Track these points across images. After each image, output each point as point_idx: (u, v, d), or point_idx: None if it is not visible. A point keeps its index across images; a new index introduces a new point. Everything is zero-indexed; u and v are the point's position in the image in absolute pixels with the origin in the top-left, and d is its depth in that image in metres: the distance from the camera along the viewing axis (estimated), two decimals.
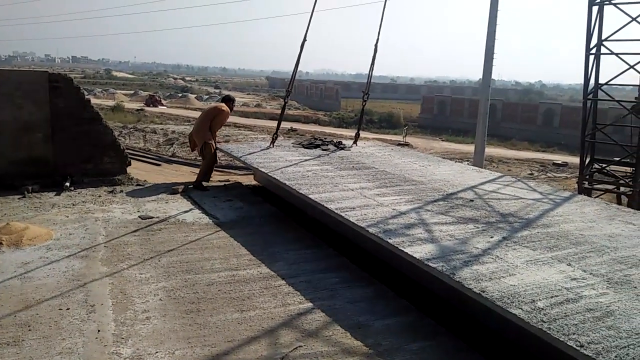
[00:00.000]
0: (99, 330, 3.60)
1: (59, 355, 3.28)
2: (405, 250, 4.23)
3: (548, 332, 3.01)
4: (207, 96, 65.15)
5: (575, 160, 15.30)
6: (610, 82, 11.36)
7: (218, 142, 8.42)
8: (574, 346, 2.87)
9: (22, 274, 4.46)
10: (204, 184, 7.97)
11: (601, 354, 2.80)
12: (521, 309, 3.26)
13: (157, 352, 3.37)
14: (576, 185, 12.58)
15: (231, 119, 9.52)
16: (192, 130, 8.37)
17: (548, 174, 25.21)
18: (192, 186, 7.83)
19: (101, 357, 3.29)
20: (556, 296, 3.47)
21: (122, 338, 3.52)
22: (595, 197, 11.27)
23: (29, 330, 3.57)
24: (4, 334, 3.49)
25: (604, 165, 12.21)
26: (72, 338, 3.49)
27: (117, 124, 28.61)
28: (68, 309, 3.88)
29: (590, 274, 3.89)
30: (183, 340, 3.54)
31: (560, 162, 28.37)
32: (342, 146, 9.30)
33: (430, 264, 3.93)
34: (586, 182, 11.90)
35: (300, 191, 6.01)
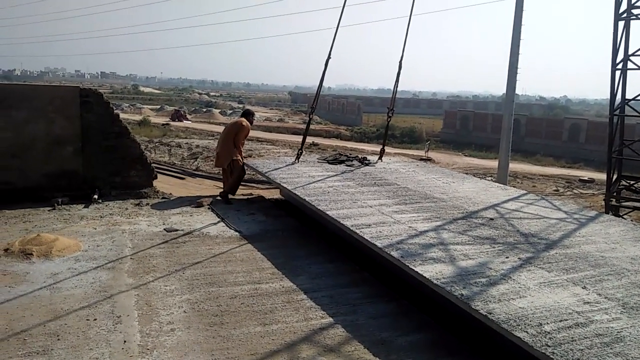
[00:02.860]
0: (125, 341, 3.67)
1: None
2: (416, 269, 4.21)
3: (551, 356, 2.95)
4: (230, 111, 65.97)
5: (602, 176, 15.02)
6: (638, 98, 11.19)
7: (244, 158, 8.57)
8: None
9: (52, 285, 4.58)
10: (230, 196, 8.09)
11: None
12: (526, 332, 3.21)
13: None
14: (603, 202, 12.34)
15: (254, 133, 9.68)
16: (217, 146, 8.51)
17: (574, 191, 24.75)
18: (219, 197, 7.97)
19: None
20: (565, 320, 3.40)
21: (148, 349, 3.58)
22: (623, 215, 11.04)
23: (58, 339, 3.65)
24: (33, 343, 3.59)
25: (631, 182, 11.97)
26: (99, 348, 3.56)
27: (143, 138, 29.13)
28: (95, 319, 3.97)
29: (605, 297, 3.80)
30: (207, 352, 3.58)
31: (586, 178, 27.83)
32: (366, 162, 9.31)
33: (439, 284, 3.90)
34: (614, 199, 11.67)
35: (319, 207, 6.04)
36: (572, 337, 3.18)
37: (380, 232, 5.15)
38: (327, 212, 5.84)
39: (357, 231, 5.18)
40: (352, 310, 4.33)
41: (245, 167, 8.54)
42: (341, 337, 3.88)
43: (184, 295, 4.48)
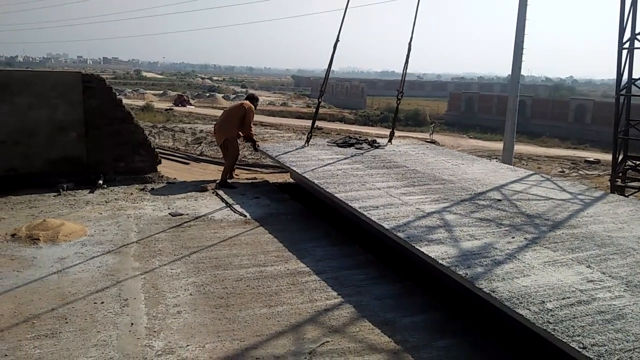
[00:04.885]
0: (132, 324, 3.71)
1: (94, 347, 3.39)
2: (422, 249, 4.23)
3: (552, 333, 2.99)
4: (234, 95, 65.79)
5: (608, 157, 14.95)
6: None
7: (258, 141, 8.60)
8: (577, 348, 2.85)
9: (59, 269, 4.61)
10: (229, 180, 8.10)
11: (603, 357, 2.78)
12: (529, 309, 3.25)
13: (188, 345, 3.45)
14: (609, 183, 12.29)
15: (257, 117, 9.66)
16: (216, 125, 8.47)
17: (580, 172, 24.65)
18: (217, 185, 7.93)
19: (134, 350, 3.39)
20: (568, 298, 3.43)
21: (155, 331, 3.62)
22: (628, 195, 11.00)
23: (66, 322, 3.69)
24: (42, 326, 3.63)
25: (637, 162, 11.90)
26: (106, 331, 3.60)
27: (147, 124, 29.08)
28: (102, 302, 4.01)
29: (609, 276, 3.81)
30: (213, 334, 3.62)
31: (592, 159, 27.69)
32: (376, 145, 9.28)
33: (445, 264, 3.93)
34: (619, 180, 11.63)
35: (328, 190, 6.07)
36: (574, 314, 3.21)
37: (387, 213, 5.17)
38: (336, 195, 5.87)
39: (365, 213, 5.21)
40: (356, 292, 4.36)
41: (244, 152, 8.56)
42: (346, 318, 3.90)
43: (190, 278, 4.52)
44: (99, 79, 7.83)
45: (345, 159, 8.00)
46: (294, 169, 7.21)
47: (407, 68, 9.60)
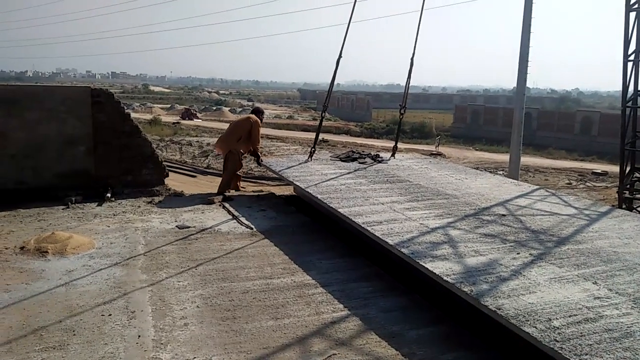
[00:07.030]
0: (139, 336, 3.72)
1: (102, 359, 3.41)
2: (426, 265, 4.21)
3: (559, 351, 2.96)
4: (240, 109, 66.20)
5: (616, 169, 14.88)
6: None
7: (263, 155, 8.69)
8: None
9: (67, 282, 4.64)
10: (227, 194, 8.10)
11: None
12: (535, 327, 3.22)
13: (194, 358, 3.46)
14: (616, 195, 12.23)
15: (264, 131, 9.72)
16: (220, 137, 8.59)
17: (587, 184, 24.51)
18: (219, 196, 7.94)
19: None
20: (575, 315, 3.39)
21: (162, 343, 3.63)
22: (637, 207, 10.95)
23: (74, 335, 3.71)
24: (50, 338, 3.65)
25: None
26: (114, 343, 3.62)
27: (154, 137, 29.27)
28: (110, 315, 4.03)
29: (616, 293, 3.78)
30: (219, 346, 3.62)
31: (599, 171, 27.55)
32: (379, 159, 9.27)
33: (449, 280, 3.91)
34: (627, 192, 11.57)
35: (331, 205, 6.07)
36: (581, 332, 3.17)
37: (391, 229, 5.16)
38: (339, 210, 5.87)
39: (369, 228, 5.20)
40: (363, 304, 4.35)
41: (250, 165, 8.65)
42: (352, 331, 3.90)
43: (197, 290, 4.53)
44: (107, 94, 7.92)
45: (348, 173, 8.02)
46: (297, 183, 7.23)
47: (409, 82, 9.65)
